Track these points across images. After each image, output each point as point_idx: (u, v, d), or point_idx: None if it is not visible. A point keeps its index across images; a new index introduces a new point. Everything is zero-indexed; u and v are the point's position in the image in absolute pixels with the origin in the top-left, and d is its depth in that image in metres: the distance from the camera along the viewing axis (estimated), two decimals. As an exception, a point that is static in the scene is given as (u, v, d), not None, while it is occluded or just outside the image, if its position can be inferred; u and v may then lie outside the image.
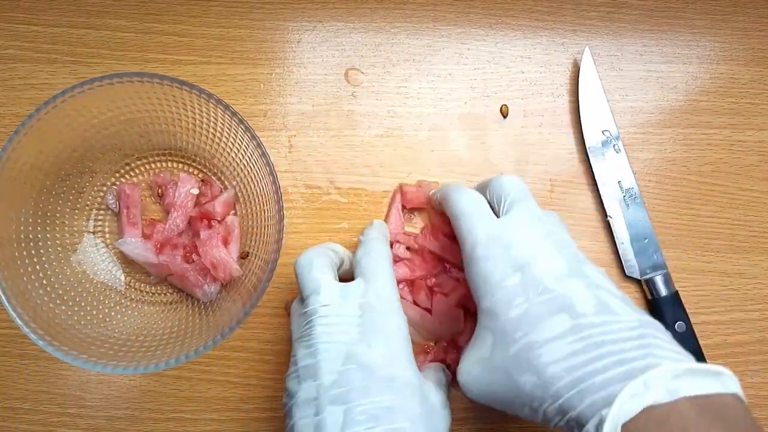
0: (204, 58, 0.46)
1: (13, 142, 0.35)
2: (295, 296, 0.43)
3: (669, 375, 0.26)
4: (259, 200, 0.41)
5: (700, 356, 0.44)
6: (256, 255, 0.41)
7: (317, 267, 0.35)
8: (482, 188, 0.38)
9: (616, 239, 0.45)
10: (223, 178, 0.43)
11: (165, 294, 0.43)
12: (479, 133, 0.47)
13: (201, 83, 0.46)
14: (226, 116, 0.38)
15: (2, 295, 0.34)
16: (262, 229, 0.41)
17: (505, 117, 0.47)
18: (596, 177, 0.46)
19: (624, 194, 0.46)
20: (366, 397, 0.30)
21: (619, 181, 0.46)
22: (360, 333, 0.32)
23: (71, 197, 0.41)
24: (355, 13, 0.48)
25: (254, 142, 0.37)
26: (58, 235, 0.41)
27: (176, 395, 0.43)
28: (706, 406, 0.25)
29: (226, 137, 0.40)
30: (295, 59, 0.47)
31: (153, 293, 0.43)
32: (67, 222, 0.41)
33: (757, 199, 0.48)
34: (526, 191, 0.36)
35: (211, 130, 0.41)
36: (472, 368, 0.32)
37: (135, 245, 0.41)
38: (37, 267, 0.38)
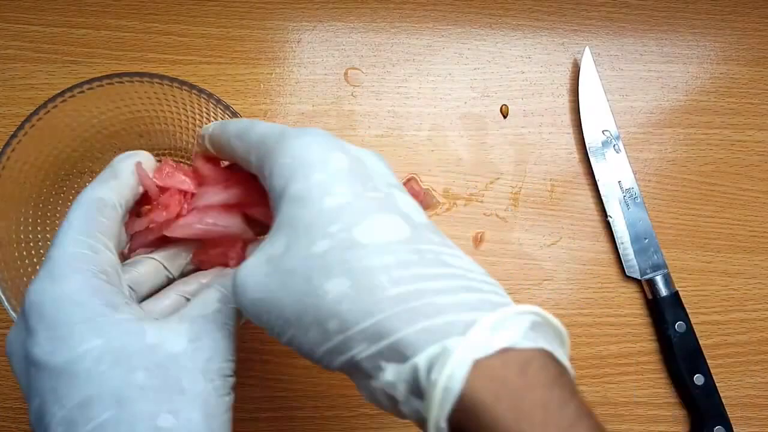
0: (204, 58, 0.46)
1: (13, 142, 0.35)
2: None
3: (530, 318, 0.20)
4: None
5: (700, 356, 0.44)
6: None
7: None
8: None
9: (616, 239, 0.45)
10: None
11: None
12: (479, 133, 0.47)
13: (201, 83, 0.46)
14: (227, 116, 0.37)
15: (2, 295, 0.34)
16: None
17: (505, 117, 0.47)
18: (596, 177, 0.46)
19: (624, 194, 0.46)
20: (57, 403, 0.22)
21: (619, 181, 0.46)
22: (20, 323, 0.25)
23: (71, 197, 0.41)
24: (355, 13, 0.48)
25: None
26: None
27: (176, 395, 0.43)
28: (561, 369, 0.20)
29: None
30: (295, 59, 0.47)
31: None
32: None
33: (757, 199, 0.48)
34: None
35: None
36: (257, 268, 0.22)
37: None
38: (37, 267, 0.38)
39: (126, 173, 0.29)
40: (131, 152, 0.30)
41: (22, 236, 0.38)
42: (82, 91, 0.36)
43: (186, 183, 0.32)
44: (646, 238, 0.45)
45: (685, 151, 0.48)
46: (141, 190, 0.30)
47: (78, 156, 0.40)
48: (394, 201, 0.23)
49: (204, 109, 0.39)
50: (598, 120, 0.46)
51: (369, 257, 0.20)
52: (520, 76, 0.48)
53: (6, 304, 0.34)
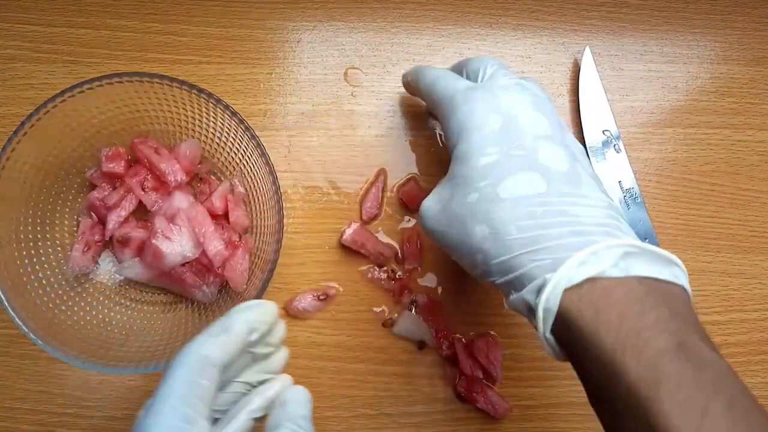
0: (203, 58, 0.46)
1: (13, 142, 0.35)
2: (294, 298, 0.43)
3: (621, 251, 0.25)
4: (258, 200, 0.41)
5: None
6: (256, 255, 0.41)
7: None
8: (458, 68, 0.37)
9: (616, 239, 0.46)
10: (222, 178, 0.43)
11: (164, 294, 0.43)
12: (479, 133, 0.47)
13: (201, 83, 0.46)
14: (226, 116, 0.37)
15: (2, 296, 0.34)
16: (262, 229, 0.41)
17: (505, 117, 0.47)
18: (596, 177, 0.46)
19: (624, 194, 0.46)
20: None
21: (619, 181, 0.46)
22: None
23: (71, 197, 0.41)
24: (355, 12, 0.48)
25: (254, 141, 0.37)
26: (57, 236, 0.41)
27: (176, 395, 0.43)
28: (653, 288, 0.25)
29: (225, 137, 0.40)
30: (295, 59, 0.47)
31: (152, 293, 0.43)
32: (66, 222, 0.41)
33: (758, 199, 0.48)
34: (505, 66, 0.35)
35: (211, 129, 0.41)
36: (434, 205, 0.32)
37: (133, 267, 0.41)
38: (37, 267, 0.38)
39: (237, 327, 0.28)
40: (252, 303, 0.29)
41: (22, 236, 0.38)
42: (82, 91, 0.36)
43: None
44: (646, 238, 0.45)
45: (686, 151, 0.48)
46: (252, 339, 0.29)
47: (78, 156, 0.40)
48: (535, 157, 0.29)
49: (204, 109, 0.39)
50: (598, 120, 0.46)
51: (504, 210, 0.27)
52: (520, 76, 0.48)
53: (6, 303, 0.34)
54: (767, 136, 0.48)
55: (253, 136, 0.37)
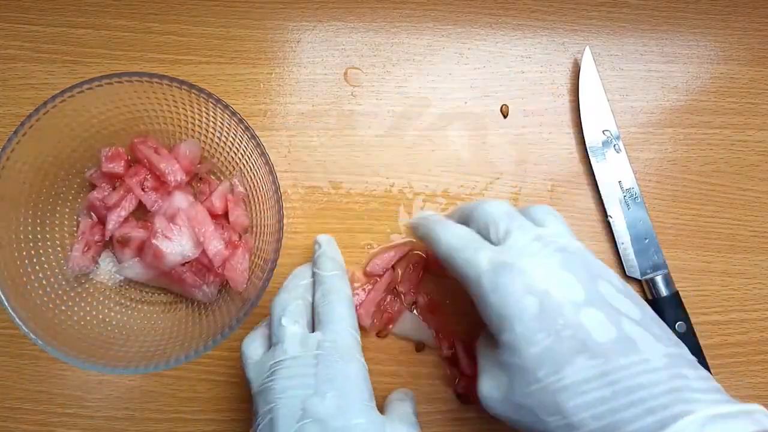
0: (203, 58, 0.46)
1: (12, 142, 0.35)
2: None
3: (699, 422, 0.25)
4: (258, 200, 0.41)
5: (700, 356, 0.43)
6: (256, 255, 0.41)
7: (288, 315, 0.34)
8: (464, 218, 0.35)
9: (616, 239, 0.45)
10: (222, 178, 0.43)
11: (164, 294, 0.43)
12: (479, 133, 0.47)
13: (201, 83, 0.46)
14: (226, 116, 0.37)
15: (2, 296, 0.34)
16: (262, 229, 0.41)
17: (505, 117, 0.47)
18: (596, 177, 0.46)
19: (624, 194, 0.46)
20: None
21: (619, 181, 0.46)
22: (315, 385, 0.31)
23: (71, 197, 0.41)
24: (355, 12, 0.48)
25: (254, 141, 0.37)
26: (57, 236, 0.41)
27: (176, 395, 0.43)
28: None
29: (225, 137, 0.40)
30: (295, 59, 0.47)
31: (152, 293, 0.43)
32: (66, 222, 0.41)
33: (758, 199, 0.47)
34: (516, 213, 0.34)
35: (211, 129, 0.41)
36: (494, 393, 0.31)
37: (133, 267, 0.41)
38: (37, 267, 0.38)
39: (339, 264, 0.39)
40: (325, 240, 0.40)
41: (21, 236, 0.38)
42: (82, 91, 0.36)
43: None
44: (646, 238, 0.45)
45: (686, 151, 0.48)
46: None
47: (78, 156, 0.40)
48: (584, 333, 0.28)
49: (204, 109, 0.39)
50: (598, 120, 0.46)
51: (572, 398, 0.27)
52: (520, 76, 0.48)
53: (6, 303, 0.34)
54: (767, 136, 0.48)
55: (253, 136, 0.37)
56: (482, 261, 0.31)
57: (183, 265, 0.40)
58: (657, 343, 0.28)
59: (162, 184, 0.41)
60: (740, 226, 0.47)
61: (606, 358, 0.27)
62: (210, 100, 0.37)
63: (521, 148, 0.47)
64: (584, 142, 0.46)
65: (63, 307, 0.38)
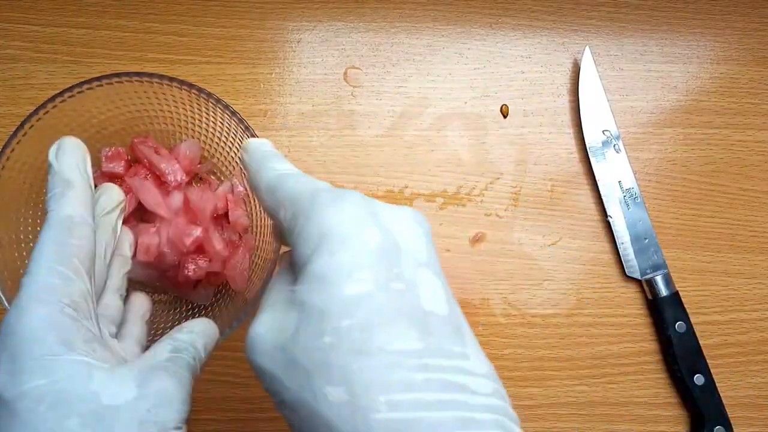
0: (204, 58, 0.46)
1: (12, 142, 0.35)
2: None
3: None
4: (257, 200, 0.41)
5: (700, 356, 0.44)
6: (256, 254, 0.41)
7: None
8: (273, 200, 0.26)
9: (616, 239, 0.45)
10: (222, 178, 0.43)
11: (164, 294, 0.43)
12: (479, 133, 0.47)
13: (201, 83, 0.46)
14: (226, 116, 0.37)
15: (2, 296, 0.34)
16: (262, 229, 0.41)
17: (505, 117, 0.47)
18: (596, 177, 0.46)
19: (624, 194, 0.46)
20: None
21: (619, 181, 0.46)
22: None
23: None
24: (355, 12, 0.48)
25: (247, 131, 0.37)
26: None
27: (176, 395, 0.43)
28: None
29: (225, 137, 0.40)
30: (295, 59, 0.47)
31: (151, 293, 0.43)
32: None
33: (758, 199, 0.47)
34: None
35: (211, 129, 0.41)
36: (267, 334, 0.22)
37: (136, 268, 0.41)
38: None
39: (77, 178, 0.28)
40: (63, 145, 0.29)
41: (21, 236, 0.38)
42: (82, 91, 0.36)
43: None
44: (646, 238, 0.45)
45: (685, 151, 0.48)
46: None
47: None
48: (416, 295, 0.21)
49: (204, 109, 0.39)
50: (598, 120, 0.46)
51: (373, 370, 0.19)
52: (520, 76, 0.48)
53: (6, 304, 0.34)
54: (767, 136, 0.48)
55: (253, 136, 0.37)
56: (322, 184, 0.24)
57: (183, 265, 0.40)
58: (481, 351, 0.22)
59: (162, 185, 0.41)
60: (740, 226, 0.47)
61: (430, 335, 0.20)
62: (210, 100, 0.37)
63: (521, 148, 0.47)
64: (584, 142, 0.46)
65: None
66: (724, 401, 0.43)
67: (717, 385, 0.43)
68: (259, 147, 0.27)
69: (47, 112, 0.35)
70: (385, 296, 0.20)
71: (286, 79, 0.46)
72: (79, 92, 0.36)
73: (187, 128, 0.41)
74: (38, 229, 0.39)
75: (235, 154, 0.41)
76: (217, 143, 0.42)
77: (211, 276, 0.41)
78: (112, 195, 0.31)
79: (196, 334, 0.29)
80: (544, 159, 0.47)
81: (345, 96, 0.47)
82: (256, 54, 0.47)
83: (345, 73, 0.47)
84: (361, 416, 0.19)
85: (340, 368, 0.19)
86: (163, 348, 0.27)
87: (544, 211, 0.46)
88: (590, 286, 0.46)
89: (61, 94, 0.35)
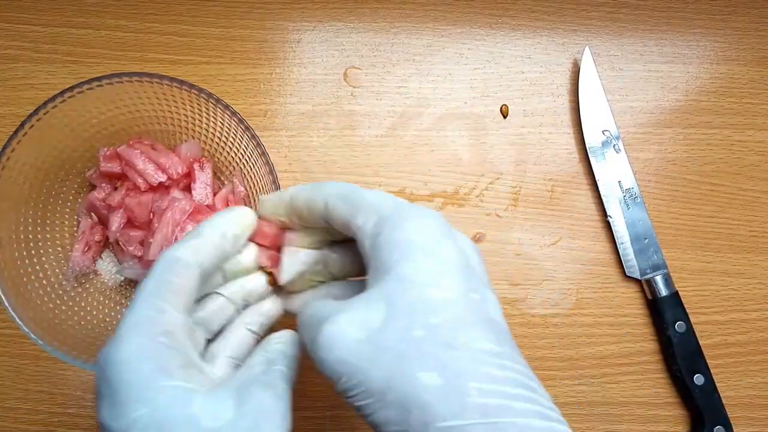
0: (204, 58, 0.46)
1: (13, 142, 0.35)
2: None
3: None
4: (258, 200, 0.41)
5: (700, 356, 0.44)
6: None
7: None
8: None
9: (616, 239, 0.45)
10: (222, 178, 0.43)
11: None
12: (479, 133, 0.47)
13: (201, 83, 0.46)
14: (226, 116, 0.37)
15: (2, 295, 0.34)
16: None
17: (505, 117, 0.47)
18: (596, 177, 0.46)
19: (624, 194, 0.46)
20: None
21: (619, 181, 0.46)
22: None
23: (71, 197, 0.41)
24: (355, 13, 0.48)
25: (254, 141, 0.37)
26: (57, 236, 0.41)
27: (176, 395, 0.43)
28: None
29: (225, 137, 0.40)
30: (295, 59, 0.47)
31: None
32: (66, 222, 0.41)
33: (757, 199, 0.47)
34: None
35: (211, 129, 0.41)
36: (349, 331, 0.23)
37: (134, 268, 0.41)
38: (37, 267, 0.38)
39: (207, 231, 0.28)
40: (224, 211, 0.29)
41: (22, 236, 0.38)
42: (82, 91, 0.36)
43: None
44: (646, 238, 0.45)
45: (685, 151, 0.48)
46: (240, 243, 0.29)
47: (78, 156, 0.40)
48: (487, 306, 0.24)
49: (204, 109, 0.39)
50: (598, 120, 0.46)
51: (463, 361, 0.21)
52: (520, 76, 0.48)
53: (6, 303, 0.34)
54: (767, 136, 0.48)
55: (253, 136, 0.37)
56: (400, 198, 0.27)
57: None
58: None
59: (159, 185, 0.41)
60: (740, 226, 0.47)
61: (503, 343, 0.23)
62: (210, 100, 0.37)
63: (521, 148, 0.47)
64: (584, 142, 0.46)
65: (63, 307, 0.38)
66: (724, 401, 0.43)
67: (717, 385, 0.43)
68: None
69: (47, 112, 0.35)
70: (466, 303, 0.23)
71: (286, 80, 0.46)
72: (79, 92, 0.36)
73: (188, 128, 0.41)
74: (38, 228, 0.39)
75: (236, 154, 0.41)
76: (217, 143, 0.42)
77: None
78: (256, 282, 0.30)
79: (286, 344, 0.28)
80: (544, 159, 0.47)
81: (345, 96, 0.47)
82: (257, 54, 0.47)
83: (345, 73, 0.47)
84: (455, 398, 0.21)
85: (433, 357, 0.21)
86: (256, 361, 0.27)
87: (544, 211, 0.46)
88: (590, 286, 0.46)
89: (61, 94, 0.35)
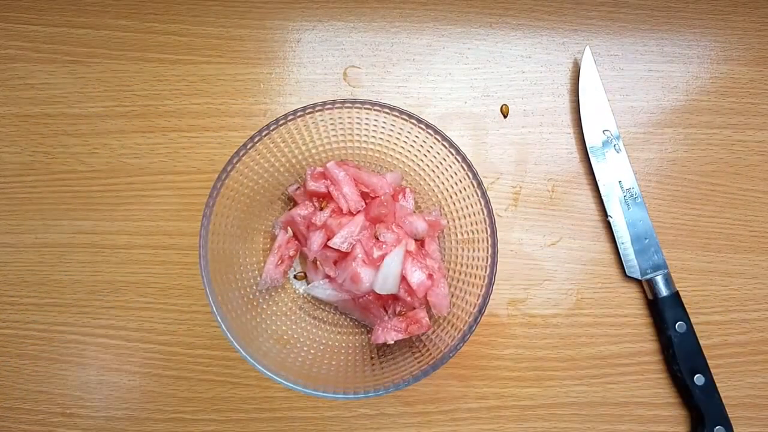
0: (204, 57, 0.46)
1: (229, 168, 0.35)
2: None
3: None
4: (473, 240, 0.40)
5: (700, 356, 0.44)
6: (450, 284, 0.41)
7: None
8: None
9: (616, 239, 0.45)
10: (421, 206, 0.43)
11: (346, 318, 0.43)
12: (479, 133, 0.47)
13: (201, 83, 0.46)
14: (449, 151, 0.37)
15: (212, 303, 0.34)
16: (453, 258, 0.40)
17: (505, 117, 0.47)
18: (597, 177, 0.46)
19: (624, 194, 0.46)
20: None
21: (619, 181, 0.46)
22: None
23: (266, 211, 0.41)
24: (355, 12, 0.48)
25: (479, 189, 0.37)
26: (253, 249, 0.41)
27: (176, 395, 0.43)
28: None
29: (443, 171, 0.40)
30: (295, 59, 0.47)
31: (335, 314, 0.43)
32: (262, 236, 0.42)
33: (758, 199, 0.47)
34: None
35: (422, 157, 0.40)
36: None
37: (324, 288, 0.41)
38: (238, 278, 0.38)
39: None
40: None
41: (226, 250, 0.38)
42: (304, 116, 0.36)
43: None
44: (646, 238, 0.45)
45: (686, 151, 0.48)
46: None
47: (280, 175, 0.40)
48: None
49: (425, 142, 0.38)
50: (598, 120, 0.46)
51: None
52: (520, 76, 0.48)
53: (215, 310, 0.34)
54: (767, 136, 0.48)
55: (479, 182, 0.37)
56: None
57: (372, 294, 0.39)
58: None
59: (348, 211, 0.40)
60: (740, 226, 0.47)
61: None
62: (428, 130, 0.37)
63: (521, 148, 0.47)
64: (584, 142, 0.46)
65: (258, 319, 0.38)
66: (724, 401, 0.43)
67: (717, 385, 0.43)
68: None
69: (260, 140, 0.36)
70: None
71: (286, 79, 0.46)
72: (300, 116, 0.36)
73: (398, 157, 0.41)
74: (239, 243, 0.39)
75: (450, 191, 0.41)
76: (428, 175, 0.41)
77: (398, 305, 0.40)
78: None
79: None
80: (544, 159, 0.47)
81: (345, 96, 0.47)
82: (257, 54, 0.47)
83: (345, 73, 0.47)
84: None
85: None
86: None
87: (545, 211, 0.46)
88: (590, 286, 0.46)
89: (284, 117, 0.36)
